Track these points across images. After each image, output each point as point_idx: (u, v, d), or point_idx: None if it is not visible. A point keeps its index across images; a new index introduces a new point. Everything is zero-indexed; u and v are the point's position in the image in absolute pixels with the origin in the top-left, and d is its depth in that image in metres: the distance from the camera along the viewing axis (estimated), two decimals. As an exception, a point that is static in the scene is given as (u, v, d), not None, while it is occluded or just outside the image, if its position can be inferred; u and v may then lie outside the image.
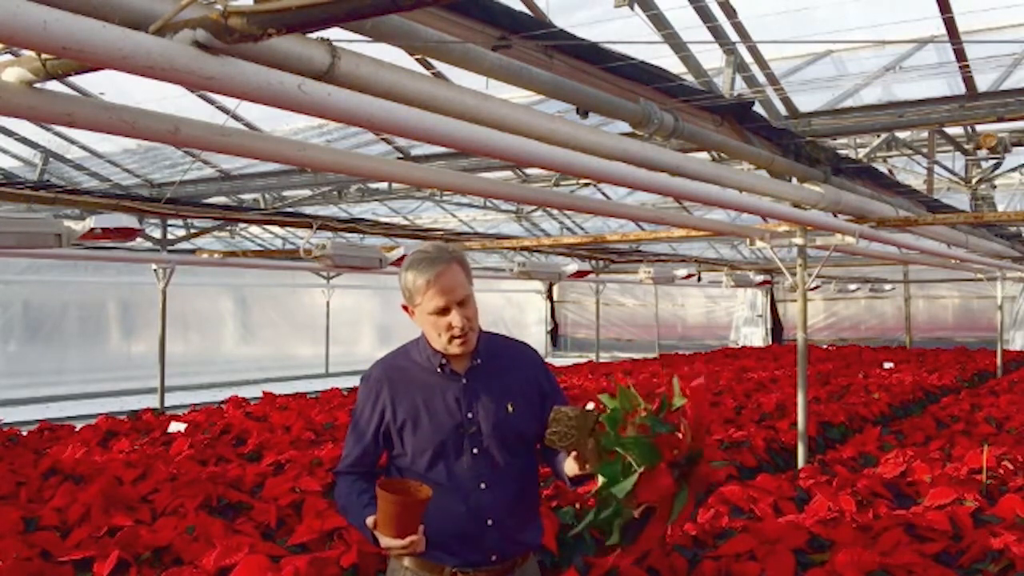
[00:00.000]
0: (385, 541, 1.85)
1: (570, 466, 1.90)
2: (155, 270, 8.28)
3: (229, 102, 4.62)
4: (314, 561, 3.00)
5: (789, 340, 17.69)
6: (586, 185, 6.85)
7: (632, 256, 11.23)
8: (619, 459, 1.73)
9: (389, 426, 2.03)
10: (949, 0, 3.13)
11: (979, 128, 4.94)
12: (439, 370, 2.03)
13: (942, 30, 3.43)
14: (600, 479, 1.74)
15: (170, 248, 8.21)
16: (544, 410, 2.07)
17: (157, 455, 5.18)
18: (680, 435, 1.76)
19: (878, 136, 5.00)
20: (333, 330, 14.11)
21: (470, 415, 2.00)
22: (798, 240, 5.70)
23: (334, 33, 1.76)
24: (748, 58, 3.60)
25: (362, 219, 8.16)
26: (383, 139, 5.80)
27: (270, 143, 2.72)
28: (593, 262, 11.81)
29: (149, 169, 7.00)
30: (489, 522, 1.99)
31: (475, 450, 2.00)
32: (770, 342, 18.03)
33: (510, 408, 2.03)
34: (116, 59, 1.48)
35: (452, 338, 1.97)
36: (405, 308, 2.03)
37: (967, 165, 5.63)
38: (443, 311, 1.95)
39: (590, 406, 1.83)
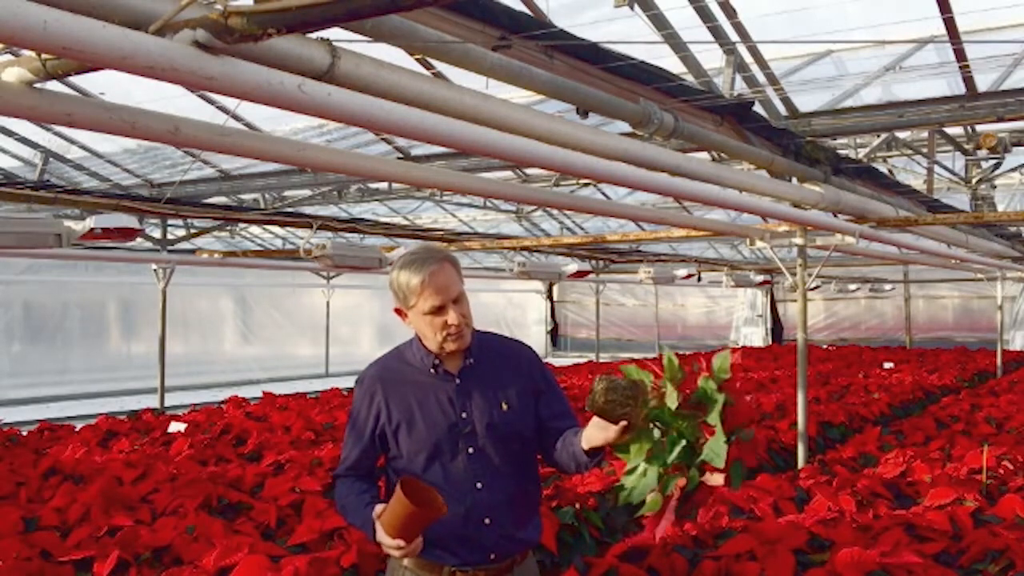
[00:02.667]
0: (381, 536, 1.84)
1: (602, 435, 1.80)
2: (155, 270, 8.28)
3: (229, 102, 4.62)
4: (314, 561, 3.01)
5: (789, 340, 17.69)
6: (586, 185, 6.85)
7: (632, 256, 11.23)
8: (672, 427, 1.77)
9: (385, 428, 2.03)
10: (949, 0, 3.13)
11: (979, 128, 4.94)
12: (432, 371, 2.03)
13: (942, 30, 3.43)
14: (635, 448, 1.76)
15: (170, 248, 8.21)
16: (538, 409, 2.08)
17: (157, 455, 5.19)
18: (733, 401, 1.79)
19: (878, 136, 5.00)
20: (333, 330, 14.11)
21: (464, 415, 2.00)
22: (798, 240, 5.70)
23: (334, 33, 1.75)
24: (748, 58, 3.60)
25: (362, 219, 8.15)
26: (383, 139, 5.80)
27: (270, 143, 2.72)
28: (593, 262, 11.80)
29: (149, 169, 7.00)
30: (487, 521, 1.99)
31: (470, 450, 2.00)
32: (770, 342, 18.03)
33: (504, 407, 2.02)
34: (116, 59, 1.48)
35: (448, 335, 1.96)
36: (398, 311, 2.03)
37: (967, 165, 5.63)
38: (439, 310, 1.95)
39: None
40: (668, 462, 1.75)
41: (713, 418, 1.76)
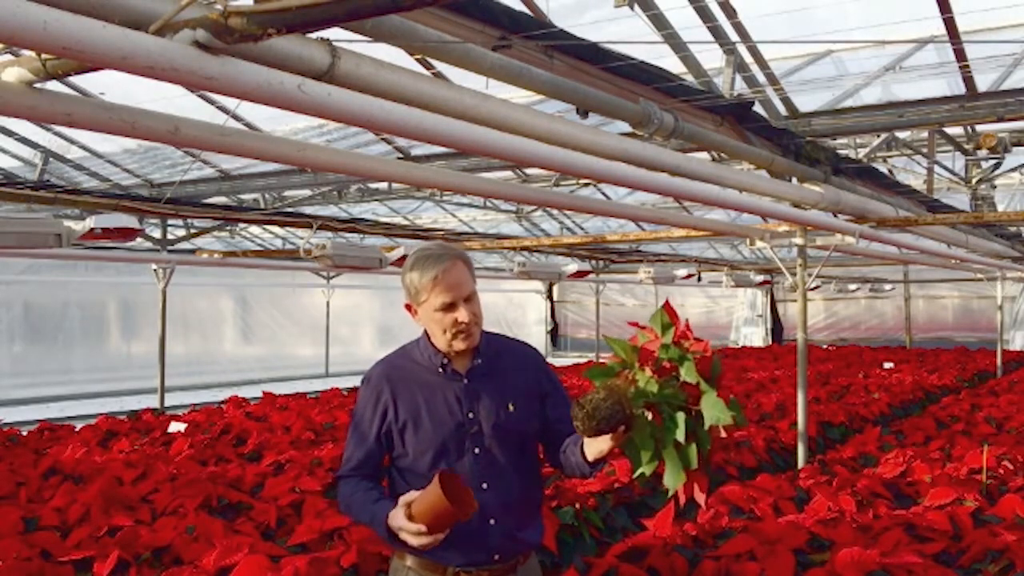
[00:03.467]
0: (402, 521, 1.80)
1: (607, 444, 1.78)
2: (155, 270, 8.28)
3: (229, 102, 4.62)
4: (314, 561, 3.00)
5: (789, 340, 17.69)
6: (586, 185, 6.85)
7: (632, 256, 11.23)
8: (662, 407, 1.75)
9: (391, 426, 2.02)
10: (949, 0, 3.13)
11: (979, 128, 4.94)
12: (440, 370, 2.03)
13: (942, 30, 3.43)
14: (638, 438, 1.75)
15: (170, 248, 8.21)
16: (544, 410, 2.08)
17: (157, 455, 5.19)
18: (701, 350, 1.79)
19: (878, 136, 5.00)
20: (333, 330, 14.11)
21: (471, 415, 2.00)
22: (798, 240, 5.70)
23: (334, 33, 1.75)
24: (748, 58, 3.60)
25: (362, 219, 8.16)
26: (383, 139, 5.80)
27: (270, 143, 2.72)
28: (593, 262, 11.80)
29: (149, 169, 7.00)
30: (492, 521, 1.99)
31: (477, 450, 2.00)
32: (770, 342, 18.03)
33: (511, 407, 2.02)
34: (116, 59, 1.48)
35: (457, 333, 1.96)
36: (408, 307, 2.03)
37: (967, 165, 5.63)
38: (450, 307, 1.95)
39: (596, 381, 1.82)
40: (678, 438, 1.73)
41: (690, 373, 1.75)
